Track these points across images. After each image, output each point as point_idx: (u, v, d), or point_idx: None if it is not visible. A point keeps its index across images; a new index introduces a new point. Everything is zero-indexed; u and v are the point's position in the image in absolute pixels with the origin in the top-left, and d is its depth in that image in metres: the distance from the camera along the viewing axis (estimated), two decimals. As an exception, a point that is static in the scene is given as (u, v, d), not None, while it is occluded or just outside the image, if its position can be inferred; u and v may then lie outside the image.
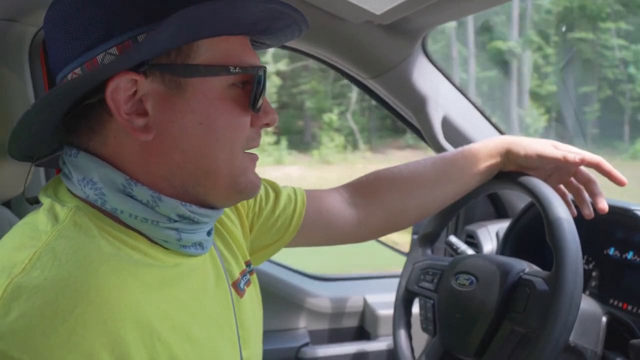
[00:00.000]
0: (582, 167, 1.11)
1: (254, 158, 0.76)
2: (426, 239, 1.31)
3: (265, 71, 0.72)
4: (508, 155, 1.13)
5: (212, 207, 0.74)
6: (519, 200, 1.62)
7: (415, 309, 1.27)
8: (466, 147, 1.16)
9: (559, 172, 1.12)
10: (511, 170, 1.14)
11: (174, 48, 0.65)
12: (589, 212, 1.10)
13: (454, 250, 1.37)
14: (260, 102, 0.72)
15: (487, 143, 1.15)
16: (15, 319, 0.52)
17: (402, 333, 1.26)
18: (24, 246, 0.60)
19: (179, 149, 0.67)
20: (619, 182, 1.05)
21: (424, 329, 1.25)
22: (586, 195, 1.10)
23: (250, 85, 0.70)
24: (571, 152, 1.08)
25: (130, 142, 0.66)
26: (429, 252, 1.31)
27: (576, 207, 1.11)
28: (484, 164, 1.13)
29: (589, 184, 1.09)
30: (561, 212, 0.98)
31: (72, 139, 0.69)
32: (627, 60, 15.36)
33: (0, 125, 0.86)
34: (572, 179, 1.12)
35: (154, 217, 0.67)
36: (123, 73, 0.63)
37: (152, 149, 0.67)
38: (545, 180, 1.09)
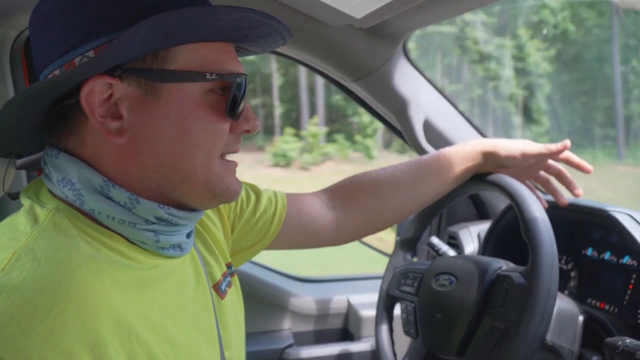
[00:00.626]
0: (551, 160, 1.19)
1: (232, 165, 0.76)
2: (406, 244, 1.33)
3: (245, 78, 0.72)
4: (487, 157, 1.16)
5: (190, 210, 0.74)
6: (499, 202, 1.64)
7: (397, 312, 1.29)
8: (442, 150, 1.19)
9: (531, 167, 1.17)
10: (487, 171, 1.17)
11: (148, 53, 0.65)
12: (563, 200, 1.17)
13: (436, 251, 1.39)
14: (240, 108, 0.72)
15: (463, 146, 1.18)
16: None
17: (385, 338, 1.27)
18: (4, 247, 0.60)
19: (154, 153, 0.68)
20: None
21: (406, 332, 1.27)
22: (555, 185, 1.19)
23: (228, 91, 0.70)
24: (548, 145, 1.16)
25: (106, 144, 0.67)
26: (409, 256, 1.32)
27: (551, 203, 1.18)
28: (459, 167, 1.16)
29: (560, 174, 1.18)
30: (535, 209, 1.00)
31: (53, 140, 0.70)
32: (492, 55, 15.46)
33: None
34: (542, 172, 1.19)
35: (132, 219, 0.67)
36: (98, 76, 0.63)
37: (127, 152, 0.67)
38: (517, 177, 1.15)
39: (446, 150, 1.18)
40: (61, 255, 0.60)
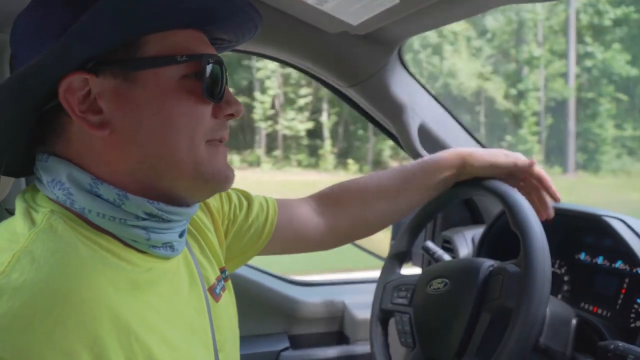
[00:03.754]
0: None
1: (220, 149, 0.76)
2: (396, 258, 1.33)
3: (219, 60, 0.73)
4: (463, 167, 1.18)
5: (182, 203, 0.75)
6: (493, 207, 1.65)
7: (393, 328, 1.29)
8: (425, 159, 1.22)
9: (510, 179, 1.17)
10: (465, 180, 1.20)
11: (117, 44, 0.66)
12: (541, 215, 1.16)
13: (431, 255, 1.39)
14: (219, 91, 0.73)
15: (444, 155, 1.21)
16: None
17: (381, 353, 1.27)
18: (3, 249, 0.61)
19: (137, 143, 0.68)
20: (555, 198, 1.16)
21: (403, 343, 1.26)
22: (536, 198, 1.18)
23: (202, 73, 0.71)
24: (520, 158, 1.17)
25: (91, 141, 0.68)
26: (399, 270, 1.33)
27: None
28: (441, 175, 1.18)
29: (535, 190, 1.18)
30: (520, 199, 1.03)
31: (41, 147, 0.71)
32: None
33: None
34: (522, 183, 1.19)
35: (122, 216, 0.68)
36: (73, 73, 0.64)
37: (112, 145, 0.68)
38: None
39: (428, 159, 1.21)
40: (59, 257, 0.61)
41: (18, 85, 0.63)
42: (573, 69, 18.10)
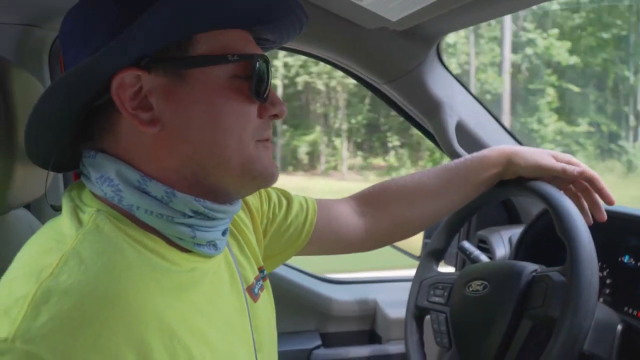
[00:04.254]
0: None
1: (268, 146, 0.76)
2: (434, 255, 1.31)
3: (267, 61, 0.73)
4: (508, 165, 1.15)
5: (227, 200, 0.75)
6: (532, 206, 1.62)
7: (427, 326, 1.27)
8: (469, 157, 1.19)
9: (557, 180, 1.14)
10: (509, 178, 1.17)
11: (171, 43, 0.67)
12: (588, 220, 1.11)
13: (467, 255, 1.37)
14: (265, 91, 0.73)
15: (489, 153, 1.17)
16: (44, 322, 0.54)
17: (416, 350, 1.25)
18: (51, 250, 0.61)
19: (186, 140, 0.69)
20: (608, 201, 1.10)
21: (438, 343, 1.24)
22: (585, 202, 1.13)
23: (251, 73, 0.71)
24: (570, 163, 1.11)
25: (140, 138, 0.68)
26: (436, 267, 1.31)
27: None
28: (485, 174, 1.15)
29: (586, 191, 1.12)
30: (569, 205, 0.99)
31: (89, 144, 0.71)
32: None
33: (19, 129, 0.88)
34: (571, 186, 1.15)
35: (169, 213, 0.68)
36: (126, 69, 0.65)
37: (161, 142, 0.68)
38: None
39: (472, 157, 1.18)
40: (106, 259, 0.61)
41: (74, 81, 0.63)
42: (508, 57, 15.32)
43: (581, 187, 1.13)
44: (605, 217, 1.10)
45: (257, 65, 0.71)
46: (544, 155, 1.13)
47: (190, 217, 0.70)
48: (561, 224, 0.97)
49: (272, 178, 0.76)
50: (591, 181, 1.10)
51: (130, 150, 0.69)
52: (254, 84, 0.71)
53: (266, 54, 0.77)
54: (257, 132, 0.73)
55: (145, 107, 0.67)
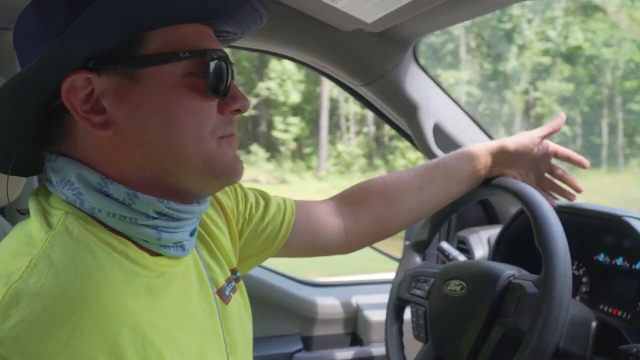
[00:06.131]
0: (553, 161, 1.23)
1: (231, 142, 0.74)
2: (418, 246, 1.32)
3: (224, 56, 0.71)
4: (495, 156, 1.18)
5: (192, 199, 0.74)
6: (509, 207, 1.63)
7: (407, 316, 1.28)
8: (449, 154, 1.20)
9: (536, 167, 1.20)
10: (497, 174, 1.18)
11: (117, 42, 0.65)
12: (573, 196, 1.23)
13: (446, 256, 1.38)
14: (224, 87, 0.71)
15: (469, 148, 1.19)
16: (14, 325, 0.53)
17: (394, 341, 1.26)
18: (21, 253, 0.60)
19: (142, 141, 0.67)
20: (584, 165, 1.20)
21: (416, 336, 1.26)
22: (560, 183, 1.23)
23: (206, 68, 0.69)
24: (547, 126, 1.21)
25: (97, 141, 0.67)
26: (420, 259, 1.32)
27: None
28: (467, 169, 1.16)
29: (564, 174, 1.23)
30: (550, 216, 1.00)
31: (50, 148, 0.70)
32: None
33: None
34: (546, 174, 1.23)
35: (132, 215, 0.67)
36: (75, 72, 0.63)
37: (116, 145, 0.67)
38: (525, 178, 1.18)
39: (452, 153, 1.19)
40: (77, 261, 0.60)
41: (20, 85, 0.62)
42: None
43: (559, 171, 1.22)
44: (582, 187, 1.21)
45: (213, 61, 0.69)
46: (524, 134, 1.20)
47: (155, 218, 0.69)
48: (540, 234, 0.98)
49: (235, 174, 0.75)
50: (569, 158, 1.20)
51: (89, 153, 0.68)
52: (210, 80, 0.69)
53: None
54: (219, 129, 0.72)
55: (97, 110, 0.66)
